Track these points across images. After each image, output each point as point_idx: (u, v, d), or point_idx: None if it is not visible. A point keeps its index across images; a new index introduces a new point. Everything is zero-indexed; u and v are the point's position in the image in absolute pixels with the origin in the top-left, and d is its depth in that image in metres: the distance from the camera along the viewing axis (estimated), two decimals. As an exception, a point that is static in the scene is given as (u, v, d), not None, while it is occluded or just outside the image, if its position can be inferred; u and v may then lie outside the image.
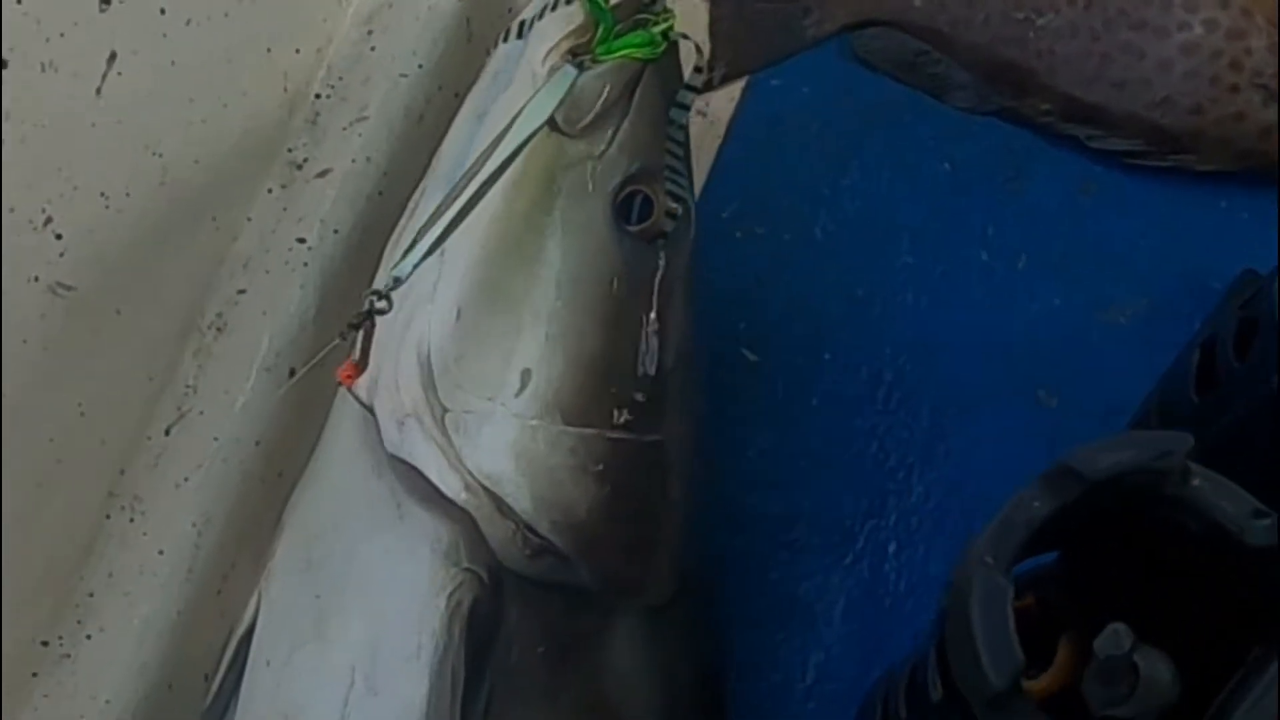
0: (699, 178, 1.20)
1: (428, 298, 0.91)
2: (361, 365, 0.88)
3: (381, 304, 0.84)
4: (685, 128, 0.98)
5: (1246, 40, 1.18)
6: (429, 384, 0.89)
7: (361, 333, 0.85)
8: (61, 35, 0.82)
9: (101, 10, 0.84)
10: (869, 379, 1.18)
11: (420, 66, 1.06)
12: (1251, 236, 1.20)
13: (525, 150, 0.90)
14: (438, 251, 0.89)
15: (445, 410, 0.88)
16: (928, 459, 1.17)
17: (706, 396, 0.99)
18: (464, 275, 0.91)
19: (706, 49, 1.19)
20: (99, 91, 0.86)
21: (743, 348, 1.19)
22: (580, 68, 0.92)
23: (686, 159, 0.98)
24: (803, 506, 1.15)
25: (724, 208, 1.23)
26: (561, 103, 0.90)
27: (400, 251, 0.87)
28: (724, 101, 1.27)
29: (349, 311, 0.95)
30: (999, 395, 1.18)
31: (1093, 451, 0.78)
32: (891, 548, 1.14)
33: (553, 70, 0.93)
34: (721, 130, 1.26)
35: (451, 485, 0.88)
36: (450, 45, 1.08)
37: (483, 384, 0.89)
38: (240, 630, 0.94)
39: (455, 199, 0.86)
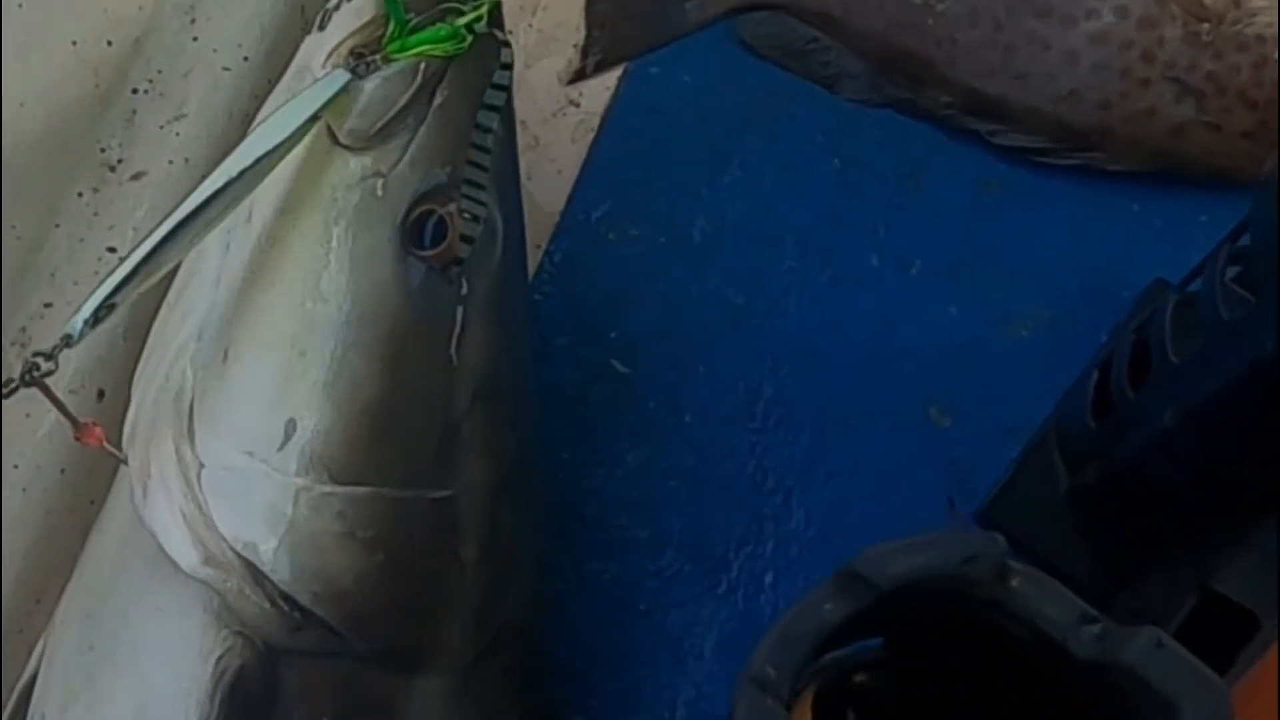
0: (571, 173, 1.14)
1: (194, 335, 0.83)
2: (76, 426, 0.78)
3: (49, 365, 0.74)
4: (494, 131, 0.87)
5: (1159, 30, 1.12)
6: (186, 436, 0.81)
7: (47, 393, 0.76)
8: None
9: None
10: (747, 394, 1.12)
11: (246, 59, 0.97)
12: (1163, 243, 1.14)
13: (306, 168, 0.82)
14: (214, 280, 0.83)
15: (201, 466, 0.80)
16: (809, 481, 1.10)
17: (530, 433, 0.91)
18: (233, 311, 0.82)
19: (582, 32, 1.14)
20: None
21: (612, 358, 1.12)
22: (366, 70, 0.82)
23: (503, 168, 0.88)
24: (673, 530, 1.09)
25: (596, 207, 1.16)
26: (325, 108, 0.80)
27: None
28: (599, 91, 1.19)
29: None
30: (888, 413, 1.12)
31: (883, 555, 0.71)
32: (769, 577, 1.09)
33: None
34: (595, 123, 1.19)
35: (191, 559, 0.80)
36: (280, 36, 0.99)
37: (243, 436, 0.81)
38: (26, 676, 0.87)
39: (152, 234, 0.76)
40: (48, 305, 0.92)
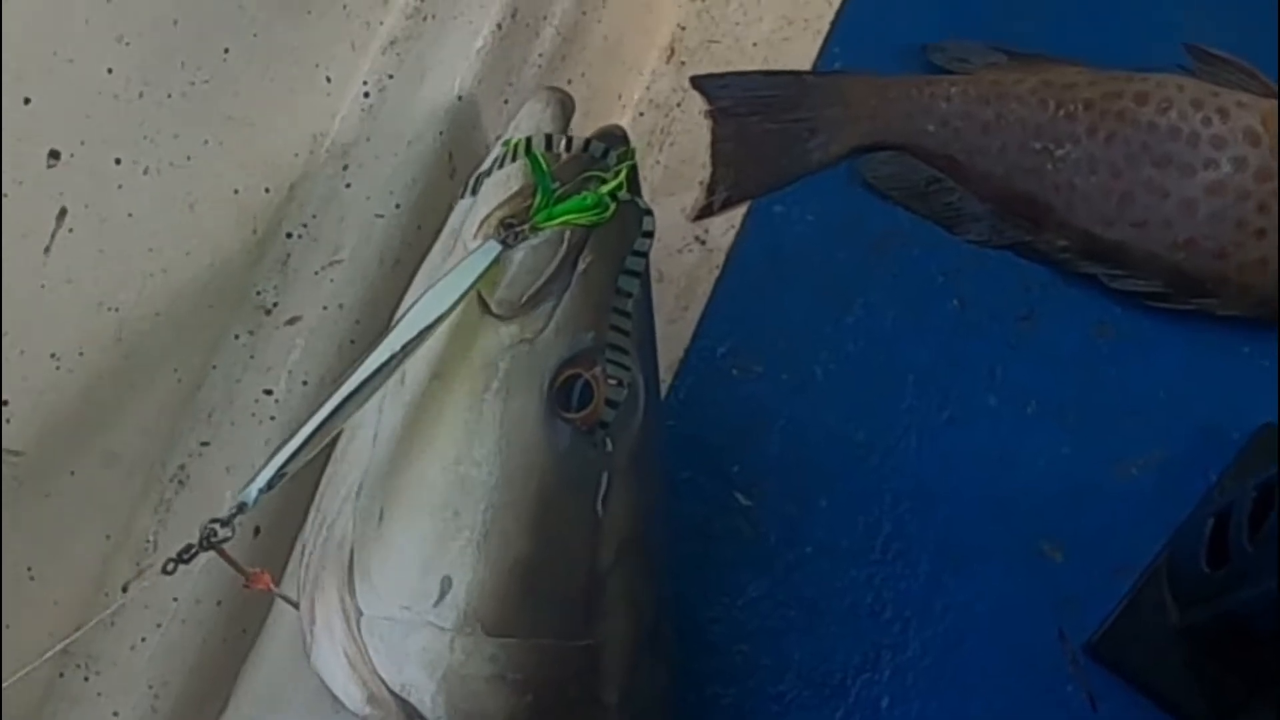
0: (697, 309, 1.17)
1: (353, 494, 0.86)
2: (247, 582, 0.81)
3: (225, 532, 0.78)
4: (635, 296, 0.90)
5: (1275, 182, 1.15)
6: (348, 587, 0.84)
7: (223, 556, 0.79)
8: (7, 196, 0.78)
9: (49, 166, 0.80)
10: (866, 528, 1.15)
11: (397, 206, 1.00)
12: (1273, 386, 1.16)
13: (458, 336, 0.86)
14: (371, 439, 0.86)
15: (360, 614, 0.83)
16: (925, 613, 1.14)
17: (666, 585, 0.93)
18: (388, 474, 0.86)
19: (708, 170, 1.17)
20: (48, 250, 0.81)
21: (735, 491, 1.15)
22: (514, 240, 0.86)
23: (642, 331, 0.92)
24: (793, 657, 1.13)
25: (720, 344, 1.19)
26: (479, 280, 0.84)
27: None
28: (723, 229, 1.23)
29: (315, 468, 0.92)
30: (1002, 548, 1.15)
31: None
32: (884, 703, 1.12)
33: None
34: (720, 260, 1.22)
35: (355, 699, 0.83)
36: (430, 183, 1.02)
37: (400, 591, 0.84)
38: (184, 798, 0.91)
39: (323, 406, 0.80)
40: (204, 444, 0.95)
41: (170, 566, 0.77)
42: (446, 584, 0.83)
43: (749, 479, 1.15)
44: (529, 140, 0.89)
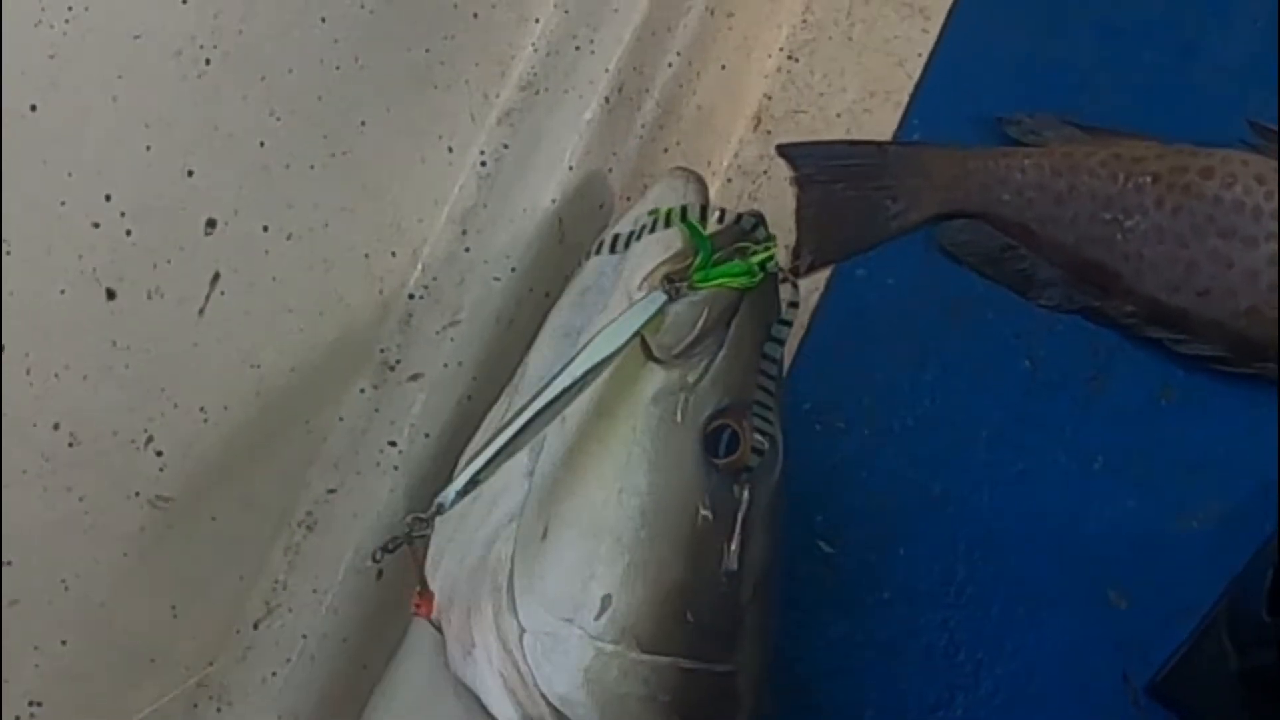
0: (783, 365, 1.22)
1: (512, 517, 0.93)
2: (423, 590, 0.91)
3: (424, 531, 0.86)
4: (778, 362, 0.99)
5: (1332, 255, 1.20)
6: (508, 605, 0.90)
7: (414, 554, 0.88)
8: (168, 262, 0.84)
9: (207, 234, 0.86)
10: (941, 574, 1.21)
11: (513, 269, 1.07)
12: (1328, 448, 1.22)
13: (619, 375, 0.92)
14: (526, 473, 0.93)
15: (523, 631, 0.90)
16: (996, 654, 1.19)
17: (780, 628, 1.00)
18: (552, 497, 0.92)
19: (793, 235, 1.22)
20: (202, 312, 0.88)
21: (819, 539, 1.21)
22: (676, 294, 0.93)
23: (778, 394, 0.99)
24: (871, 696, 1.18)
25: (805, 399, 1.25)
26: (645, 325, 0.91)
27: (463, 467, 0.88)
28: (809, 290, 1.27)
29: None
30: (1070, 594, 1.20)
31: None
32: (958, 739, 1.18)
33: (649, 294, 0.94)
34: (805, 319, 1.27)
35: (510, 715, 0.89)
36: (543, 247, 1.08)
37: (564, 604, 0.90)
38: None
39: (509, 426, 0.87)
40: (331, 491, 1.02)
41: (378, 555, 0.87)
42: (607, 600, 0.90)
43: (831, 527, 1.22)
44: (685, 209, 0.97)
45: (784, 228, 1.23)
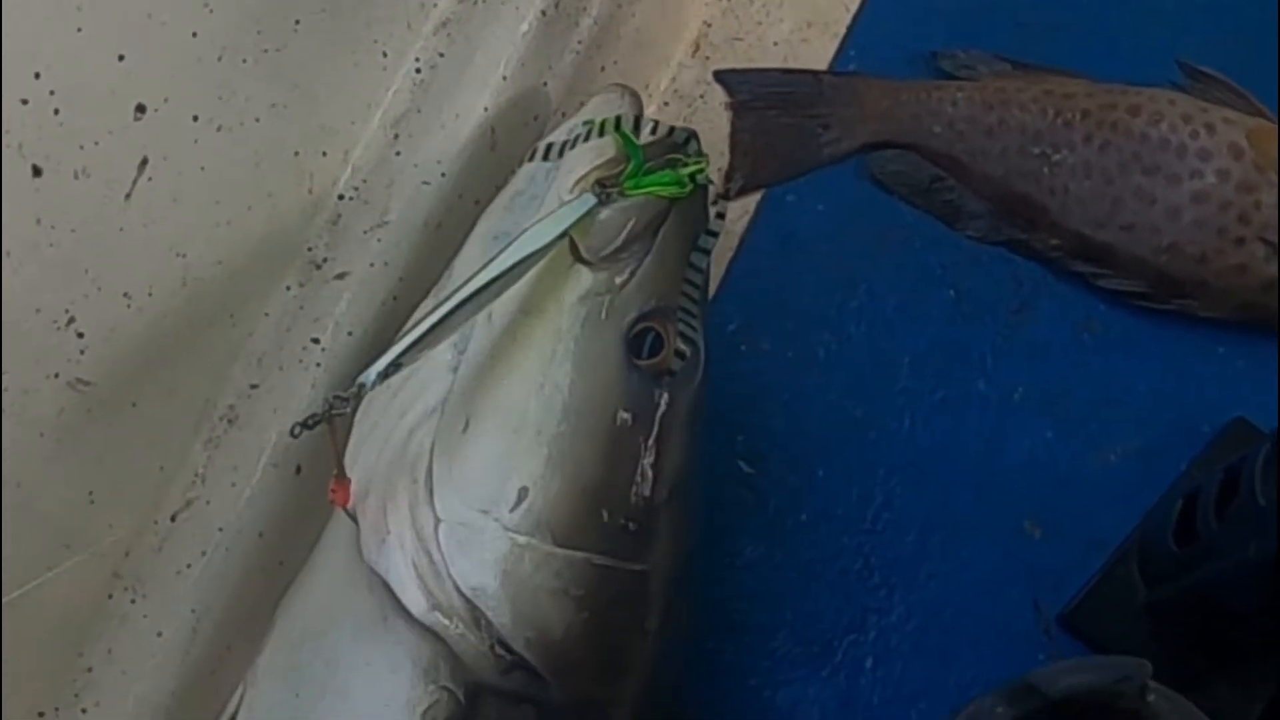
0: (710, 288, 1.21)
1: (433, 410, 0.94)
2: (340, 475, 0.90)
3: (343, 409, 0.86)
4: (704, 272, 1.00)
5: (1257, 194, 1.21)
6: (425, 496, 0.91)
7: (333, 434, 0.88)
8: (96, 143, 0.84)
9: (136, 118, 0.86)
10: (859, 499, 1.22)
11: (443, 175, 1.07)
12: (1246, 385, 1.24)
13: (547, 275, 0.94)
14: (450, 367, 0.94)
15: (439, 521, 0.90)
16: (911, 580, 1.20)
17: (698, 533, 1.01)
18: (474, 391, 0.93)
19: (726, 159, 1.23)
20: (129, 197, 0.87)
21: (739, 459, 1.22)
22: (606, 199, 0.94)
23: (703, 302, 1.00)
24: (786, 617, 1.19)
25: (730, 321, 1.26)
26: (573, 226, 0.92)
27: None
28: (738, 214, 1.29)
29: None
30: (986, 522, 1.21)
31: (1054, 673, 0.81)
32: (869, 663, 1.18)
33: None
34: (734, 243, 1.29)
35: (421, 605, 0.90)
36: (474, 154, 1.09)
37: (481, 495, 0.91)
38: (225, 717, 0.97)
39: (433, 312, 0.88)
40: (254, 386, 1.02)
41: (296, 431, 0.86)
42: (524, 492, 0.91)
43: (752, 449, 1.22)
44: (619, 119, 0.98)
45: (718, 151, 1.24)
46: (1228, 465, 1.06)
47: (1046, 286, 1.28)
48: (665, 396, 0.96)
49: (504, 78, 1.10)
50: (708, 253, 1.00)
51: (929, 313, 1.27)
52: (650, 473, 0.95)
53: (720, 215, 1.00)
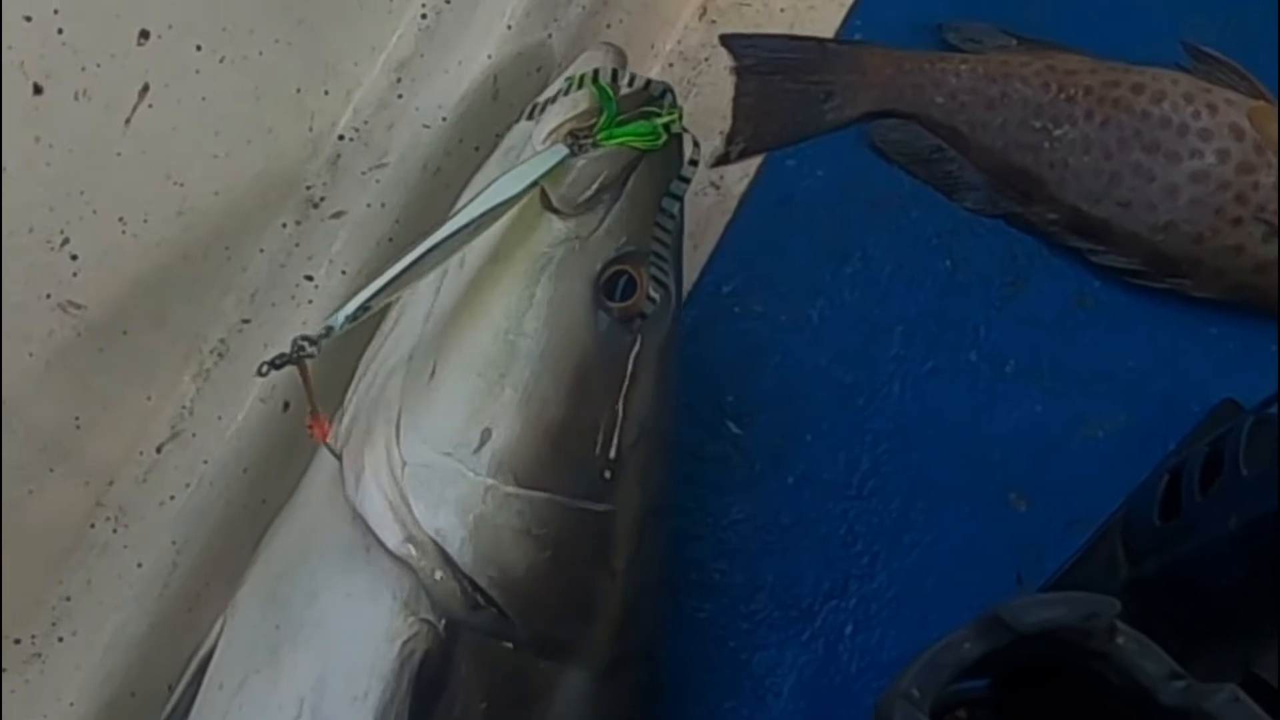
0: (707, 249, 1.25)
1: (405, 357, 0.95)
2: (314, 412, 0.91)
3: (312, 350, 0.85)
4: (675, 217, 1.00)
5: (1255, 175, 1.21)
6: (394, 439, 0.93)
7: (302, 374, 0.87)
8: (98, 66, 0.84)
9: (139, 44, 0.87)
10: (846, 464, 1.22)
11: (444, 119, 1.07)
12: (1236, 365, 1.24)
13: (519, 224, 0.95)
14: (424, 315, 0.95)
15: (404, 464, 0.92)
16: (893, 547, 1.21)
17: (673, 477, 1.01)
18: (443, 335, 0.94)
19: (729, 121, 1.24)
20: (128, 122, 0.88)
21: (728, 419, 1.22)
22: (579, 149, 0.95)
23: (676, 248, 1.01)
24: (767, 579, 1.20)
25: (726, 282, 1.26)
26: (546, 175, 0.93)
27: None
28: (738, 177, 1.29)
29: (351, 352, 1.00)
30: (971, 493, 1.21)
31: (1024, 606, 0.81)
32: (848, 629, 1.19)
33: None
34: (733, 205, 1.29)
35: (395, 539, 0.91)
36: (475, 101, 1.09)
37: (444, 438, 0.93)
38: (203, 651, 0.99)
39: (404, 258, 0.88)
40: (245, 321, 1.03)
41: (264, 369, 0.85)
42: (487, 435, 0.92)
43: (741, 409, 1.22)
44: (596, 72, 0.99)
45: (722, 115, 1.25)
46: (1214, 438, 1.06)
47: (1041, 260, 1.28)
48: (636, 340, 0.97)
49: (508, 27, 1.11)
50: (679, 198, 1.00)
51: (923, 282, 1.27)
52: (618, 414, 0.96)
53: (693, 162, 1.00)
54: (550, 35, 1.15)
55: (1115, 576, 1.15)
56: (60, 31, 0.81)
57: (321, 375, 0.90)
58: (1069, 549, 1.18)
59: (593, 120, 0.97)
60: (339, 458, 0.94)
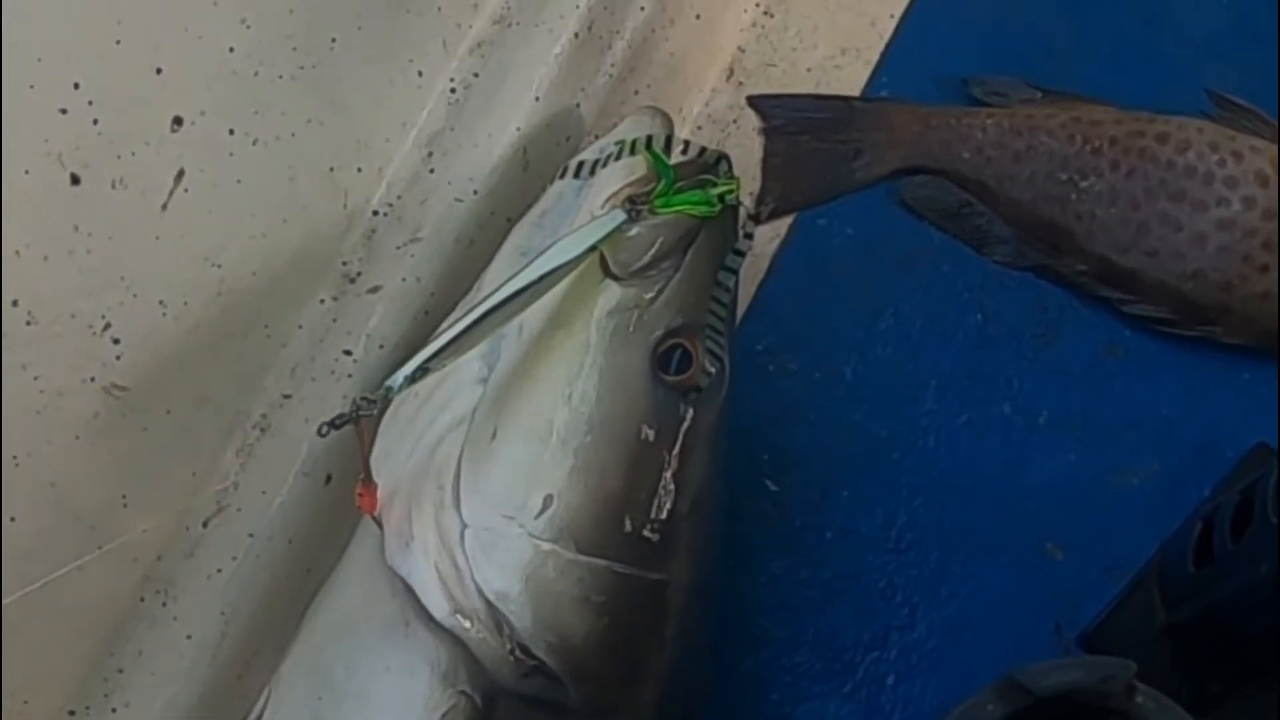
0: (740, 308, 1.24)
1: (460, 420, 0.96)
2: (366, 478, 0.92)
3: (370, 411, 0.87)
4: (730, 290, 1.01)
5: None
6: (452, 501, 0.93)
7: (360, 436, 0.89)
8: (133, 154, 0.86)
9: (173, 130, 0.88)
10: (883, 518, 1.23)
11: (475, 192, 1.09)
12: (1269, 410, 1.23)
13: (577, 289, 0.96)
14: (478, 379, 0.96)
15: (465, 526, 0.92)
16: (932, 599, 1.21)
17: (719, 547, 1.02)
18: (504, 401, 0.95)
19: (758, 182, 1.25)
20: (165, 207, 0.89)
21: (765, 477, 1.24)
22: (637, 215, 0.96)
23: (730, 321, 1.02)
24: (808, 633, 1.21)
25: (759, 340, 1.27)
26: (603, 240, 0.94)
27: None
28: (769, 237, 1.31)
29: None
30: (1008, 544, 1.22)
31: (1041, 670, 0.82)
32: (890, 680, 1.19)
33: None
34: (765, 265, 1.30)
35: (443, 609, 0.92)
36: (506, 172, 1.11)
37: (507, 502, 0.93)
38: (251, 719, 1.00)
39: (462, 319, 0.90)
40: (287, 397, 1.04)
41: (323, 430, 0.87)
42: (549, 500, 0.93)
43: (778, 467, 1.24)
44: (650, 139, 1.00)
45: (750, 176, 1.26)
46: (1246, 485, 1.07)
47: (1072, 311, 1.29)
48: (690, 412, 0.98)
49: (537, 98, 1.12)
50: (735, 272, 1.01)
51: (955, 336, 1.28)
52: (672, 485, 0.96)
53: (748, 235, 1.02)
54: (579, 104, 1.17)
55: (1152, 622, 1.16)
56: (95, 122, 0.83)
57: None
58: (1106, 596, 1.19)
59: (650, 186, 0.98)
60: (380, 526, 0.95)
